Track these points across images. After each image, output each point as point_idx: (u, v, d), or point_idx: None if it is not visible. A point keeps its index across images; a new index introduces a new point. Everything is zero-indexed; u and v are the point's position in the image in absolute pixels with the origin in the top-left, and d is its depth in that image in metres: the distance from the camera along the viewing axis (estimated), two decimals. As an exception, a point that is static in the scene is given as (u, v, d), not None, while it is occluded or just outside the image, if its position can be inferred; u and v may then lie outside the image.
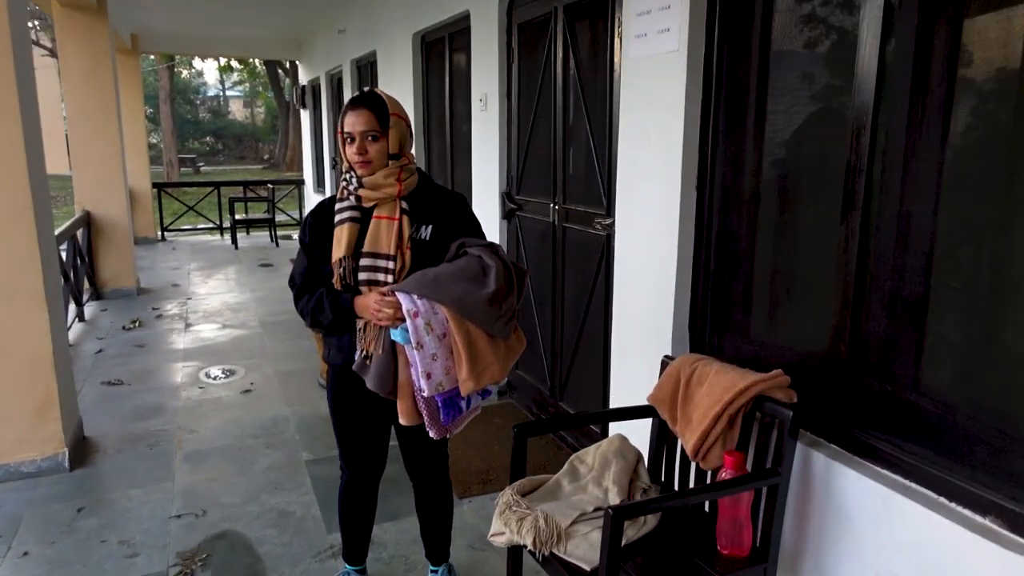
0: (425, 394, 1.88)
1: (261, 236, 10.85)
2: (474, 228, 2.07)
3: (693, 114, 2.36)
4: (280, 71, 27.01)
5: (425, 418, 1.96)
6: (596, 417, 2.53)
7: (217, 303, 6.65)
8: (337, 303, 1.96)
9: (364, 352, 1.97)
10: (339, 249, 1.95)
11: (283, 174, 26.05)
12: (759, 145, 2.25)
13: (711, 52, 2.32)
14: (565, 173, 3.31)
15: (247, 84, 36.81)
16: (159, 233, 10.49)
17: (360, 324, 1.96)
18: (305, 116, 10.95)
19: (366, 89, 2.00)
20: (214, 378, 4.58)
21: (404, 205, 1.95)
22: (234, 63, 30.00)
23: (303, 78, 10.75)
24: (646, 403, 2.25)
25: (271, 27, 9.60)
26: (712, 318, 2.45)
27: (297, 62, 11.33)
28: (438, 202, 2.03)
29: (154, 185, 10.49)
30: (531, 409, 3.84)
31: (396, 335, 1.90)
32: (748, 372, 1.98)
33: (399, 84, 5.66)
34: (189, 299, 6.80)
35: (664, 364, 2.29)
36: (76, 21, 6.20)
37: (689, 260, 2.46)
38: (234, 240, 10.02)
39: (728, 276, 2.38)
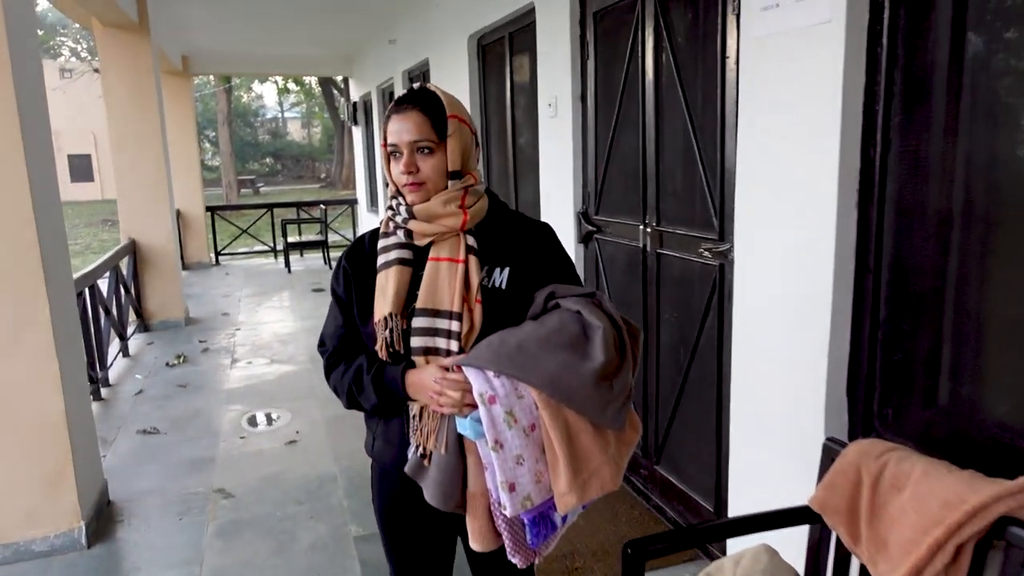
0: (508, 512, 1.32)
1: (315, 258, 10.54)
2: (566, 270, 1.51)
3: (853, 104, 1.74)
4: (335, 90, 27.18)
5: (506, 541, 1.39)
6: (734, 526, 1.92)
7: (266, 334, 6.26)
8: (381, 380, 1.42)
9: (420, 449, 1.42)
10: (384, 304, 1.41)
11: (339, 193, 26.14)
12: (952, 143, 1.62)
13: (878, 20, 1.70)
14: (659, 188, 2.71)
15: (304, 105, 37.37)
16: (213, 257, 10.29)
17: (414, 409, 1.42)
18: (357, 133, 10.63)
19: (416, 85, 1.45)
20: (257, 425, 4.12)
21: (471, 241, 1.40)
22: (291, 85, 30.41)
23: (354, 94, 10.44)
24: (803, 504, 1.63)
25: (321, 43, 9.31)
26: (883, 380, 1.81)
27: (348, 78, 11.03)
28: (516, 235, 1.47)
29: (207, 208, 10.32)
30: (617, 467, 3.22)
31: (465, 427, 1.35)
32: (977, 477, 1.35)
33: (453, 93, 5.17)
34: (238, 330, 6.44)
35: (827, 450, 1.67)
36: (118, 40, 5.93)
37: (848, 300, 1.83)
38: (287, 263, 9.72)
39: (908, 323, 1.74)
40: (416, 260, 1.42)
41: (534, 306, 1.45)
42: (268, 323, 6.69)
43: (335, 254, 10.74)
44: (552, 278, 1.46)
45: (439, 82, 5.60)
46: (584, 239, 3.34)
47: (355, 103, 10.25)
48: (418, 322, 1.38)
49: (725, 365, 2.36)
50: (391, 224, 1.48)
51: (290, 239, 10.07)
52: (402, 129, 1.37)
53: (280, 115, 41.16)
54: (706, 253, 2.42)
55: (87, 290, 4.65)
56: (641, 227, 2.83)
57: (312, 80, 28.27)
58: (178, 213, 9.40)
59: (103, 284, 5.42)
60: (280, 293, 8.13)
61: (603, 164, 3.12)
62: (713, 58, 2.33)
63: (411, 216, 1.41)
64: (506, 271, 1.43)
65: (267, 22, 7.66)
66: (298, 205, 11.22)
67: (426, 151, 1.37)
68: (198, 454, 3.73)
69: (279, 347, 5.80)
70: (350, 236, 11.61)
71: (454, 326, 1.38)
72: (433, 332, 1.39)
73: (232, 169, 23.38)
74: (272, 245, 10.91)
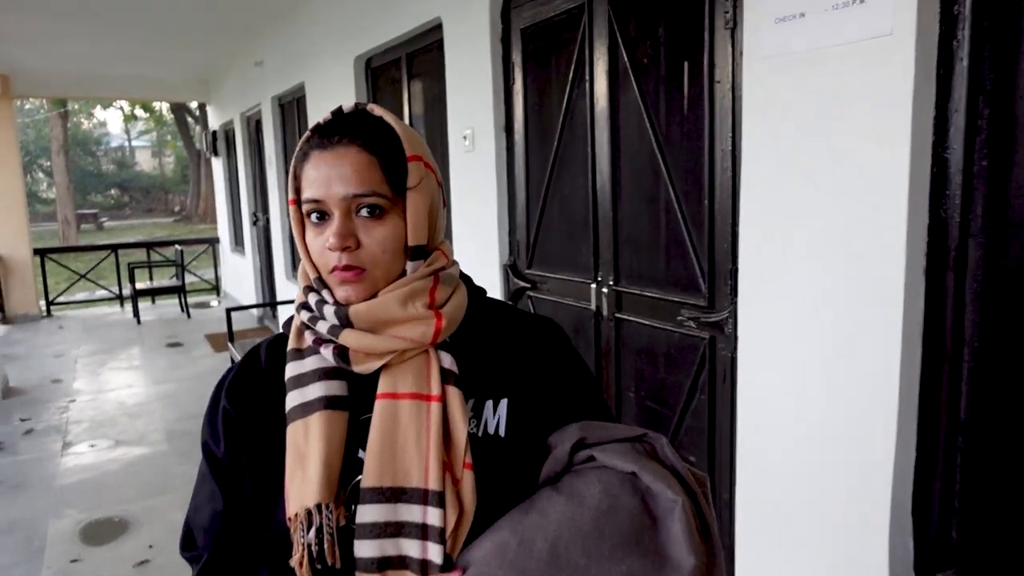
0: None
1: (170, 305, 9.31)
2: (591, 395, 0.96)
3: (921, 138, 1.33)
4: (189, 118, 25.24)
5: None
6: None
7: (110, 405, 5.20)
8: None
9: None
10: (304, 484, 0.80)
11: (196, 228, 24.14)
12: (1053, 195, 1.24)
13: (952, 33, 1.31)
14: (617, 239, 2.23)
15: (154, 133, 34.64)
16: (43, 307, 8.82)
17: None
18: (217, 164, 9.59)
19: (350, 106, 0.88)
20: (97, 539, 3.21)
21: (448, 363, 0.84)
22: (139, 111, 28.00)
23: (213, 122, 9.42)
24: None
25: (173, 64, 8.27)
26: (969, 516, 1.39)
27: (206, 104, 9.98)
28: (511, 345, 0.91)
29: (36, 251, 8.86)
30: None
31: None
32: None
33: (337, 122, 4.51)
34: (72, 401, 5.33)
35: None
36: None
37: (913, 401, 1.41)
38: (136, 313, 8.47)
39: (1000, 423, 1.34)
40: (356, 399, 0.84)
41: (553, 461, 0.88)
42: (113, 390, 5.61)
43: (194, 300, 9.56)
44: (573, 408, 0.91)
45: (317, 110, 4.92)
46: (513, 296, 2.80)
47: (214, 131, 9.23)
48: (367, 513, 0.78)
49: (720, 461, 1.89)
50: (307, 336, 0.87)
51: (139, 284, 8.81)
52: (332, 176, 0.81)
53: (127, 143, 37.91)
54: (689, 322, 1.95)
55: None
56: (593, 286, 2.33)
57: (163, 106, 26.15)
58: (-3, 259, 7.98)
59: None
60: (128, 349, 6.97)
61: (537, 208, 2.61)
62: (696, 83, 1.89)
63: (345, 324, 0.83)
64: (503, 405, 0.86)
65: (107, 38, 6.62)
66: (149, 245, 9.92)
67: (374, 213, 0.81)
68: (10, 593, 2.80)
69: (126, 423, 4.80)
70: (211, 278, 10.44)
71: (431, 516, 0.79)
72: (395, 530, 0.79)
73: (70, 202, 20.95)
74: (118, 291, 9.55)
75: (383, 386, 0.82)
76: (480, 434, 0.84)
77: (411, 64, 3.63)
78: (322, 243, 0.83)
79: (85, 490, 3.75)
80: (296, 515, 0.79)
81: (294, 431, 0.82)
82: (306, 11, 4.85)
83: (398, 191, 0.82)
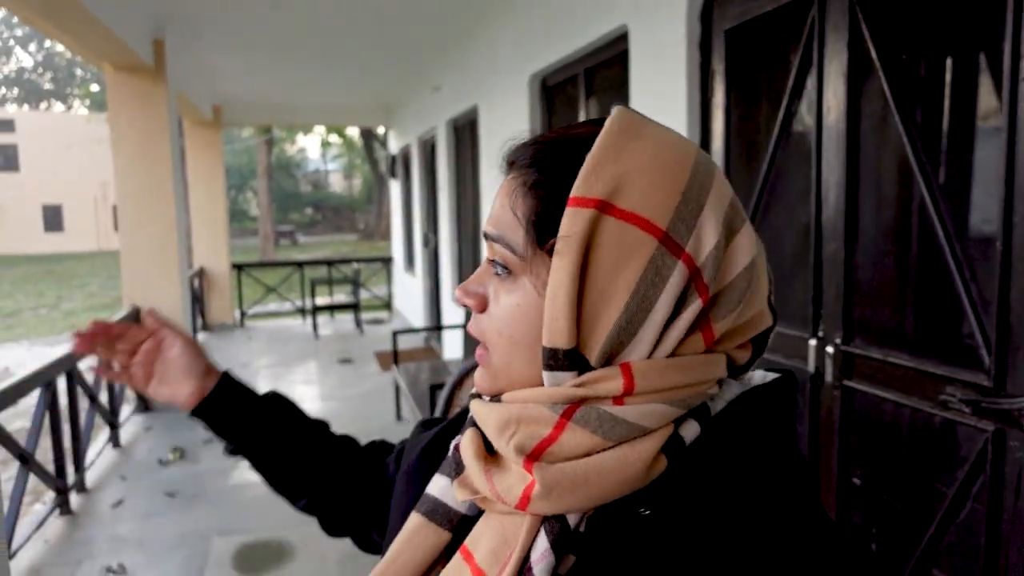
0: None
1: (346, 321, 9.72)
2: None
3: None
4: (376, 142, 27.03)
5: None
6: None
7: (282, 419, 5.36)
8: None
9: None
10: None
11: (376, 244, 25.73)
12: None
13: None
14: (849, 286, 1.75)
15: (346, 157, 37.54)
16: (238, 318, 9.54)
17: None
18: (395, 187, 9.93)
19: (522, 139, 0.55)
20: (251, 569, 3.17)
21: (539, 554, 0.48)
22: (333, 137, 30.48)
23: (393, 147, 9.77)
24: None
25: (358, 91, 8.68)
26: None
27: (388, 129, 10.41)
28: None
29: (234, 266, 9.63)
30: None
31: None
32: None
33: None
34: (250, 412, 5.56)
35: None
36: (130, 86, 5.26)
37: None
38: (315, 327, 8.91)
39: None
40: (470, 523, 0.56)
41: None
42: (286, 404, 5.80)
43: (368, 316, 9.93)
44: None
45: (490, 131, 4.77)
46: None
47: (393, 156, 9.58)
48: None
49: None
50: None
51: (320, 299, 9.29)
52: (491, 218, 0.54)
53: (323, 166, 41.45)
54: (960, 405, 1.44)
55: (62, 378, 3.83)
56: (813, 342, 1.85)
57: (354, 132, 28.24)
58: (201, 271, 8.73)
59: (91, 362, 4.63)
60: (304, 364, 7.28)
61: (737, 242, 2.18)
62: (987, 82, 1.39)
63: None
64: None
65: (300, 70, 7.03)
66: (329, 263, 10.47)
67: (499, 270, 0.53)
68: (168, 615, 2.79)
69: (295, 439, 4.88)
70: (384, 295, 10.82)
71: None
72: None
73: (270, 220, 23.06)
74: (301, 305, 10.14)
75: (471, 536, 0.54)
76: None
77: (590, 80, 3.33)
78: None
79: (250, 507, 3.78)
80: None
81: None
82: (483, 32, 4.74)
83: (524, 250, 0.50)
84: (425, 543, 0.57)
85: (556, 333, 0.48)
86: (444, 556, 0.58)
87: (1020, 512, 1.33)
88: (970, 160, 1.59)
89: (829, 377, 1.79)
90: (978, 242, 1.47)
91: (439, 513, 0.58)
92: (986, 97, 1.55)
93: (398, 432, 4.93)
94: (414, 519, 0.59)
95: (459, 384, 3.23)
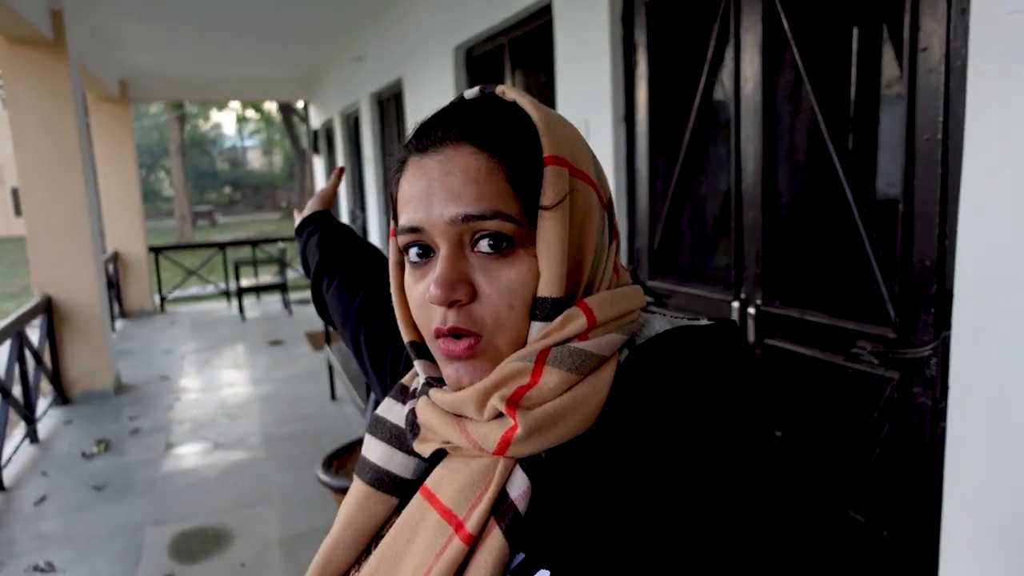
0: None
1: (273, 302, 9.49)
2: None
3: None
4: (295, 117, 26.18)
5: None
6: None
7: (212, 405, 5.23)
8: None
9: None
10: (321, 551, 0.63)
11: (301, 223, 24.95)
12: None
13: None
14: (766, 249, 1.85)
15: (264, 133, 36.23)
16: (157, 303, 9.18)
17: None
18: (319, 163, 9.69)
19: (472, 92, 0.58)
20: (189, 558, 3.11)
21: (518, 491, 0.52)
22: (249, 112, 29.31)
23: (315, 121, 9.51)
24: None
25: (276, 64, 8.38)
26: None
27: (308, 104, 10.11)
28: (640, 484, 0.49)
29: (151, 249, 9.23)
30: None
31: None
32: None
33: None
34: (178, 399, 5.40)
35: None
36: (27, 60, 4.93)
37: None
38: (241, 310, 8.66)
39: None
40: (413, 485, 0.60)
41: None
42: (215, 389, 5.66)
43: (296, 296, 9.71)
44: None
45: (415, 104, 4.72)
46: (631, 310, 2.46)
47: (316, 130, 9.33)
48: None
49: (917, 531, 1.48)
50: (410, 385, 0.66)
51: (245, 282, 9.03)
52: (434, 190, 0.54)
53: (240, 143, 39.88)
54: (870, 357, 1.55)
55: (-30, 372, 3.63)
56: (736, 304, 1.95)
57: (272, 107, 27.26)
58: (115, 256, 8.33)
59: (2, 355, 4.39)
60: (232, 347, 7.08)
61: (663, 210, 2.25)
62: (889, 53, 1.48)
63: (428, 388, 0.59)
64: None
65: (214, 41, 6.73)
66: (254, 243, 10.16)
67: (499, 247, 0.53)
68: (104, 610, 2.72)
69: (226, 424, 4.78)
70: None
71: None
72: None
73: (186, 201, 22.10)
74: (225, 287, 9.83)
75: (431, 478, 0.56)
76: None
77: (515, 52, 3.33)
78: (423, 292, 0.55)
79: (183, 496, 3.70)
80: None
81: (348, 493, 0.64)
82: (406, 2, 4.65)
83: (530, 212, 0.53)
84: (375, 511, 0.61)
85: (551, 283, 0.52)
86: (393, 515, 0.61)
87: (924, 453, 1.45)
88: (875, 127, 1.69)
89: (751, 336, 1.89)
90: (883, 204, 1.57)
91: (385, 481, 0.61)
92: (889, 67, 1.64)
93: (334, 412, 4.89)
94: (360, 489, 0.62)
95: (395, 360, 3.22)
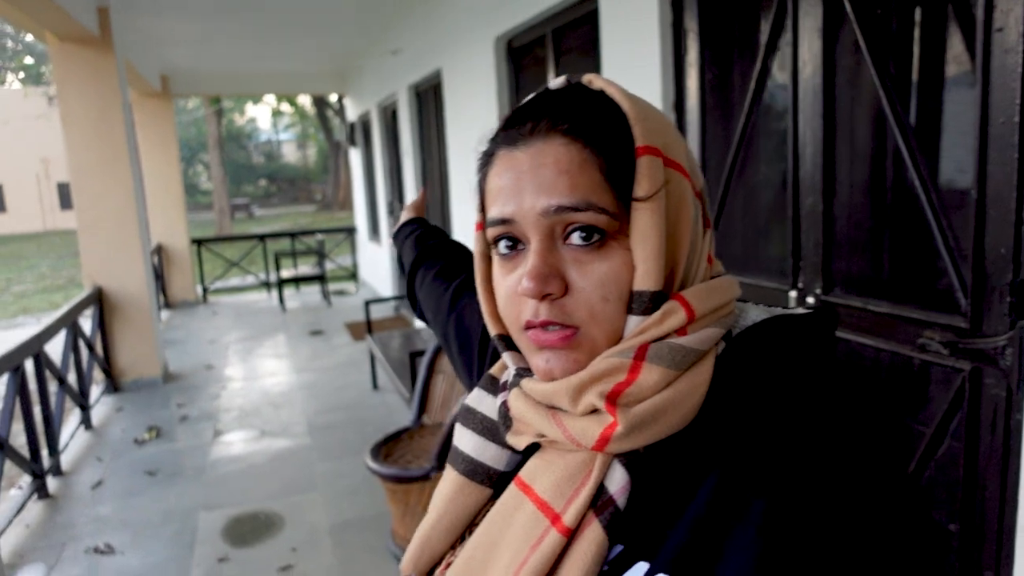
0: None
1: (312, 293, 9.63)
2: None
3: None
4: (329, 111, 26.42)
5: None
6: None
7: (257, 394, 5.33)
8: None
9: None
10: (417, 535, 0.64)
11: (335, 215, 25.33)
12: None
13: None
14: (828, 237, 1.81)
15: (298, 126, 36.64)
16: (200, 294, 9.37)
17: None
18: (356, 156, 9.77)
19: (558, 82, 0.57)
20: (242, 540, 3.19)
21: (617, 485, 0.52)
22: (284, 106, 29.65)
23: (352, 114, 9.58)
24: None
25: (313, 58, 8.46)
26: None
27: (344, 97, 10.19)
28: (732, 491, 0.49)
29: (194, 241, 9.42)
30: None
31: None
32: None
33: (476, 113, 4.29)
34: (224, 388, 5.51)
35: None
36: (76, 57, 5.05)
37: None
38: (281, 300, 8.80)
39: None
40: (513, 476, 0.59)
41: None
42: (259, 378, 5.76)
43: (333, 287, 9.83)
44: None
45: (454, 95, 4.73)
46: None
47: (352, 123, 9.40)
48: None
49: (987, 528, 1.45)
50: (499, 376, 0.66)
51: (285, 273, 9.17)
52: (525, 183, 0.54)
53: (275, 137, 40.40)
54: (937, 347, 1.52)
55: (29, 361, 3.74)
56: (793, 293, 1.92)
57: (306, 101, 27.54)
58: (159, 248, 8.52)
59: (59, 344, 4.52)
60: (274, 337, 7.20)
61: (716, 199, 2.23)
62: (960, 34, 1.44)
63: (519, 379, 0.58)
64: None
65: (252, 36, 6.81)
66: (293, 234, 10.30)
67: (591, 239, 0.53)
68: (161, 592, 2.80)
69: (271, 413, 4.87)
70: (349, 266, 10.71)
71: None
72: None
73: (224, 194, 22.48)
74: (265, 278, 10.00)
75: (525, 469, 0.57)
76: None
77: (558, 41, 3.31)
78: (512, 285, 0.55)
79: (233, 482, 3.78)
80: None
81: (442, 479, 0.65)
82: (444, -7, 4.66)
83: (629, 204, 0.52)
84: (469, 501, 0.61)
85: (648, 276, 0.51)
86: (487, 504, 0.62)
87: (996, 446, 1.41)
88: (939, 111, 1.64)
89: (809, 326, 1.86)
90: (950, 191, 1.53)
91: (479, 472, 0.61)
92: (954, 48, 1.60)
93: (376, 401, 4.95)
94: (454, 479, 0.63)
95: (440, 351, 3.25)
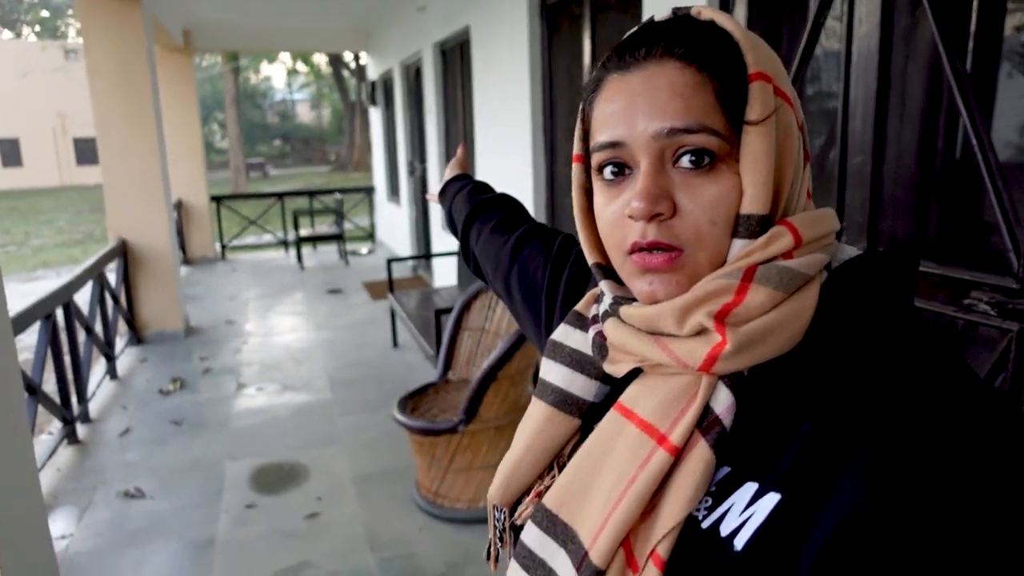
0: None
1: (329, 252, 9.67)
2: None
3: None
4: (346, 71, 26.19)
5: None
6: None
7: (277, 349, 5.39)
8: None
9: None
10: (503, 465, 0.66)
11: (350, 176, 25.30)
12: None
13: None
14: (875, 194, 1.80)
15: (313, 86, 36.40)
16: (219, 251, 9.42)
17: None
18: (375, 115, 9.70)
19: (664, 15, 0.57)
20: (268, 488, 3.25)
21: (723, 406, 0.52)
22: (300, 66, 29.44)
23: (373, 72, 9.50)
24: None
25: (336, 14, 8.36)
26: None
27: (366, 54, 10.09)
28: (867, 425, 0.48)
29: (213, 198, 9.44)
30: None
31: None
32: None
33: (506, 74, 4.24)
34: (245, 343, 5.58)
35: None
36: (103, 10, 5.02)
37: None
38: (299, 259, 8.84)
39: None
40: (607, 401, 0.61)
41: None
42: (279, 334, 5.82)
43: (351, 247, 9.86)
44: None
45: (484, 55, 4.67)
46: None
47: (373, 81, 9.32)
48: (530, 535, 0.60)
49: None
50: (594, 307, 0.67)
51: (303, 231, 9.20)
52: (638, 105, 0.54)
53: (289, 96, 40.19)
54: (985, 307, 1.51)
55: (59, 310, 3.79)
56: (834, 255, 1.91)
57: (322, 60, 27.31)
58: (179, 204, 8.56)
59: (86, 294, 4.58)
60: (292, 295, 7.26)
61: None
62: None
63: (616, 310, 0.59)
64: (768, 501, 0.49)
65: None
66: (311, 193, 10.30)
67: (701, 163, 0.53)
68: (192, 534, 2.87)
69: (292, 368, 4.93)
70: (366, 226, 10.72)
71: None
72: (544, 573, 0.58)
73: (240, 152, 22.47)
74: (283, 237, 10.03)
75: (626, 395, 0.58)
76: (707, 526, 0.51)
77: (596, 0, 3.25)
78: (617, 210, 0.56)
79: (257, 433, 3.85)
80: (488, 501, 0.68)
81: (532, 401, 0.66)
82: (474, -52, 4.58)
83: (737, 127, 0.53)
84: (558, 431, 0.62)
85: (757, 200, 0.52)
86: (573, 436, 0.63)
87: (1040, 405, 1.41)
88: (997, 71, 1.61)
89: (850, 288, 1.86)
90: (1006, 151, 1.51)
91: (568, 403, 0.62)
92: (1014, 15, 1.56)
93: (396, 359, 5.00)
94: (543, 409, 0.64)
95: (467, 308, 3.27)
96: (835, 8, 1.87)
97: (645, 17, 2.55)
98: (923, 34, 1.66)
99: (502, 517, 0.65)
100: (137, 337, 5.52)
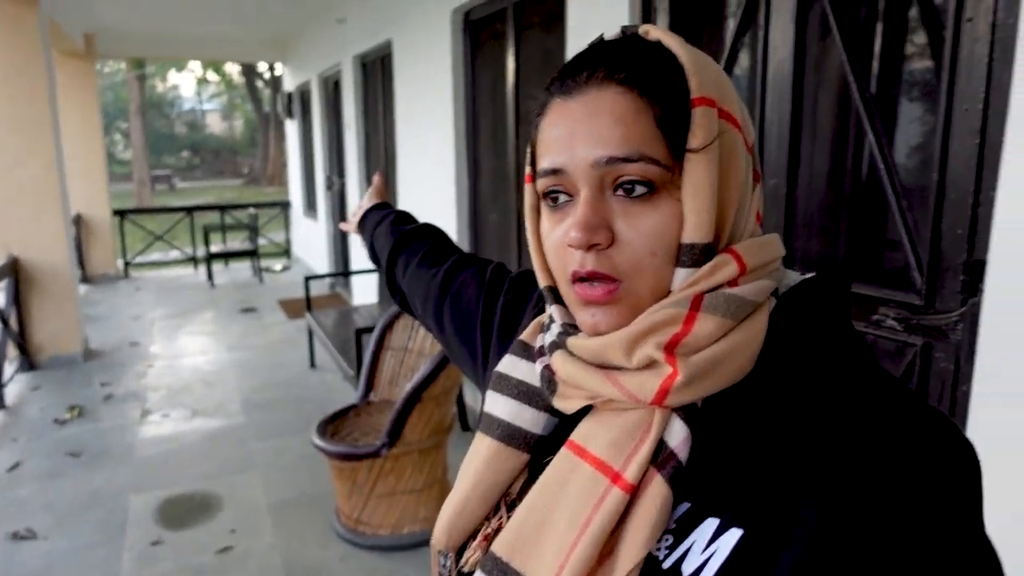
0: None
1: (242, 269, 9.31)
2: None
3: None
4: (260, 82, 25.47)
5: None
6: None
7: (187, 372, 5.12)
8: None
9: None
10: (445, 508, 0.62)
11: (264, 190, 24.52)
12: None
13: None
14: (791, 219, 1.86)
15: (225, 97, 35.22)
16: (121, 268, 8.92)
17: None
18: (292, 128, 9.46)
19: (613, 33, 0.57)
20: (176, 522, 3.06)
21: (678, 439, 0.50)
22: (211, 75, 28.43)
23: (289, 84, 9.26)
24: None
25: (251, 24, 8.12)
26: None
27: (282, 65, 9.84)
28: (819, 449, 0.47)
29: (116, 212, 8.94)
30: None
31: None
32: None
33: (428, 88, 4.20)
34: (151, 366, 5.27)
35: None
36: (-7, 8, 4.68)
37: None
38: (210, 276, 8.47)
39: None
40: (556, 436, 0.59)
41: None
42: (189, 356, 5.54)
43: (266, 263, 9.53)
44: None
45: (405, 70, 4.62)
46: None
47: (289, 93, 9.09)
48: None
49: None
50: (540, 337, 0.64)
51: (213, 248, 8.82)
52: (577, 132, 0.53)
53: (199, 106, 38.71)
54: (892, 323, 1.58)
55: (-62, 333, 3.47)
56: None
57: (234, 71, 26.48)
58: (78, 218, 8.05)
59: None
60: (202, 314, 6.93)
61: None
62: (933, 23, 1.49)
63: (564, 340, 0.57)
64: (731, 537, 0.47)
65: (186, -5, 6.48)
66: (223, 208, 9.91)
67: (639, 192, 0.52)
68: None
69: (203, 391, 4.69)
70: (281, 242, 10.40)
71: None
72: None
73: (145, 164, 21.42)
74: (192, 253, 9.60)
75: (578, 432, 0.55)
76: (668, 565, 0.49)
77: (520, 15, 3.27)
78: (560, 237, 0.54)
79: (164, 463, 3.63)
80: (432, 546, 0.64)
81: (477, 436, 0.63)
82: (395, -38, 4.54)
83: (682, 155, 0.52)
84: (505, 467, 0.60)
85: (699, 228, 0.51)
86: (522, 472, 0.60)
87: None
88: (933, 103, 1.70)
89: (768, 305, 1.91)
90: (909, 174, 1.59)
91: (516, 437, 0.60)
92: (918, 37, 1.65)
93: (314, 380, 4.84)
94: (489, 445, 0.61)
95: (390, 327, 3.20)
96: (753, 32, 1.94)
97: (569, 36, 2.59)
98: (833, 61, 1.74)
99: (448, 563, 0.61)
100: (29, 362, 5.13)
